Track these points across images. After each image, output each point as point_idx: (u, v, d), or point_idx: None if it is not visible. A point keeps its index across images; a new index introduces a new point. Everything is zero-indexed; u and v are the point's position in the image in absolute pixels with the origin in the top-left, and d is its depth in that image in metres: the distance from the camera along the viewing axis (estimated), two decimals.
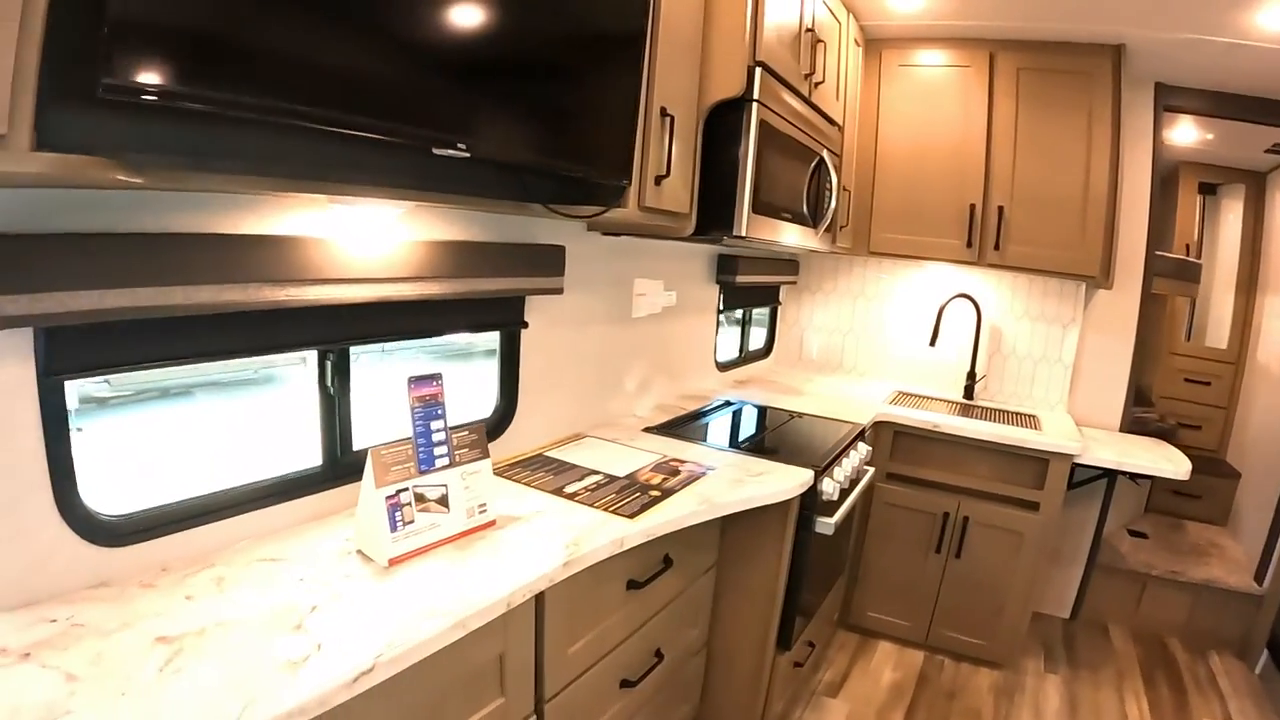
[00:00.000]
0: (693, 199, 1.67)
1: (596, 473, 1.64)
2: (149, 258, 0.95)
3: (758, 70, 1.66)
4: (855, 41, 2.50)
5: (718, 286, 2.68)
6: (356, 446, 1.40)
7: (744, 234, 1.71)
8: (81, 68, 0.65)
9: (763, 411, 2.42)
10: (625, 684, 1.48)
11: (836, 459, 1.95)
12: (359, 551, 1.18)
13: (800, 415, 2.37)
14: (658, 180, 1.49)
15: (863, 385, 2.99)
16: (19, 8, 0.62)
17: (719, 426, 2.20)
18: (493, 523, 1.32)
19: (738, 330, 3.15)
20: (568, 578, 1.20)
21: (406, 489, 1.18)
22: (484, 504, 1.30)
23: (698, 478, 1.67)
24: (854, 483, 2.03)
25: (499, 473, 1.59)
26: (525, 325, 1.71)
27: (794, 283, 3.22)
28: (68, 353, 0.95)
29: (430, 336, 1.54)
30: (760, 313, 3.31)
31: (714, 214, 1.72)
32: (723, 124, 1.67)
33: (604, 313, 2.05)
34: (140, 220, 0.98)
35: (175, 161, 0.79)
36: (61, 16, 0.65)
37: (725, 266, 2.64)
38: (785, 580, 1.79)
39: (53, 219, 0.90)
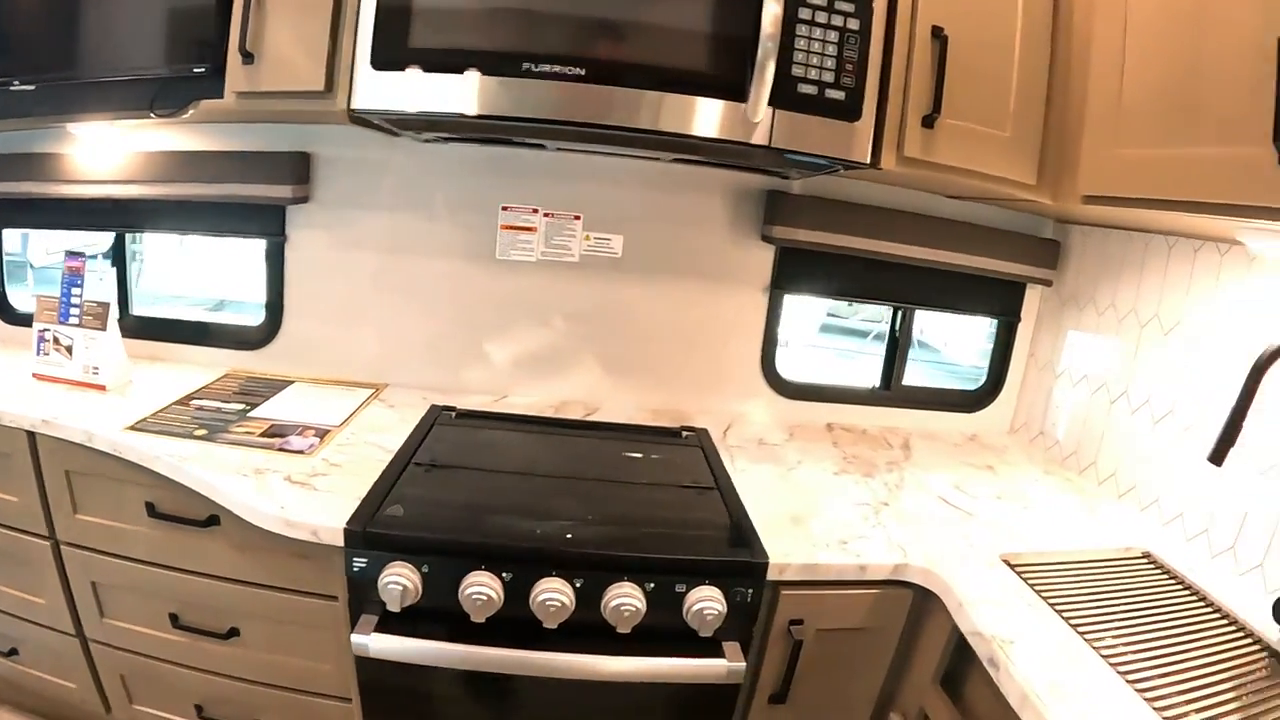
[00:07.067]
0: (333, 63, 1.24)
1: (249, 408, 1.54)
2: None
3: None
4: None
5: (773, 249, 1.73)
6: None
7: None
8: None
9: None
10: (175, 621, 1.36)
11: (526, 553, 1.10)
12: None
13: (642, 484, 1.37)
14: (246, 56, 1.25)
15: (1098, 520, 1.40)
16: None
17: (527, 442, 1.53)
18: (103, 387, 1.58)
19: (885, 347, 1.95)
20: (66, 444, 1.33)
21: (49, 330, 1.60)
22: (98, 368, 1.58)
23: (271, 449, 1.36)
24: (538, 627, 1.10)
25: (241, 376, 1.76)
26: (283, 237, 1.70)
27: (1048, 283, 1.76)
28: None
29: (180, 233, 1.93)
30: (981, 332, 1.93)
31: None
32: None
33: (442, 246, 1.68)
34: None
35: None
36: None
37: (774, 211, 1.66)
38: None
39: None
